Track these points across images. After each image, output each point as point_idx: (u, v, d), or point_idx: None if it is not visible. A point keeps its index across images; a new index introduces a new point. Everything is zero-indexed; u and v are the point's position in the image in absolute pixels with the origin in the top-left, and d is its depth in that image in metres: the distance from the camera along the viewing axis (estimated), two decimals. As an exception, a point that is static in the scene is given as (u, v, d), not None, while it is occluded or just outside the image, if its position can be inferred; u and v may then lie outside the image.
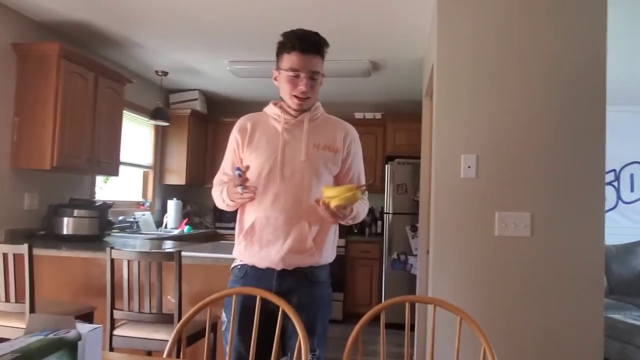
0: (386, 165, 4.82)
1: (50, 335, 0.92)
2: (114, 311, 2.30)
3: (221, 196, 1.69)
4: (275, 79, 1.67)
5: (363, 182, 1.77)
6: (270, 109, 1.71)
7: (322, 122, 1.72)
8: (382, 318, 1.54)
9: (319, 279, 1.67)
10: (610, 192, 4.91)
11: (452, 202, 2.33)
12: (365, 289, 4.86)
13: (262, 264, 1.62)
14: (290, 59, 1.58)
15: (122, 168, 3.94)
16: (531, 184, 2.27)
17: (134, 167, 4.71)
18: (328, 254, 1.71)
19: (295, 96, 1.60)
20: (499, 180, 2.29)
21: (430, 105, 2.99)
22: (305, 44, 1.57)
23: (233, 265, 1.74)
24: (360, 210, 1.70)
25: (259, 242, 1.63)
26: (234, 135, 1.71)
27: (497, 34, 2.33)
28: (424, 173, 3.42)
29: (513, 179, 2.28)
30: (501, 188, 2.29)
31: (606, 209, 2.37)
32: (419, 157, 3.70)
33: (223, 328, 1.66)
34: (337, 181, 1.72)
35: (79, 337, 0.95)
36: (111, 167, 3.72)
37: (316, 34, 1.62)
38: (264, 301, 1.50)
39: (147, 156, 4.96)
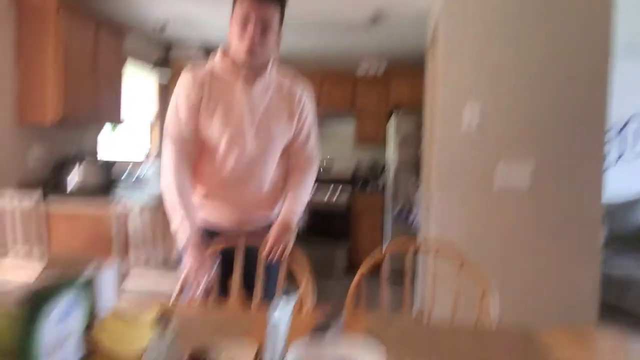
0: (389, 118, 4.80)
1: (68, 273, 0.97)
2: (123, 260, 2.37)
3: (170, 194, 1.54)
4: (230, 26, 1.54)
5: (312, 143, 1.70)
6: (222, 65, 1.57)
7: (277, 84, 1.62)
8: (385, 265, 1.59)
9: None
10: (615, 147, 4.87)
11: (455, 152, 2.34)
12: (369, 241, 4.95)
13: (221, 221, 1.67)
14: (241, 4, 1.47)
15: (125, 124, 3.94)
16: (535, 133, 2.27)
17: (137, 122, 4.71)
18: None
19: (244, 45, 1.47)
20: (502, 129, 2.29)
21: (434, 56, 2.95)
22: None
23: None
24: (305, 197, 1.68)
25: (216, 210, 1.65)
26: (191, 87, 1.55)
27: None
28: (427, 124, 3.41)
29: (516, 129, 2.28)
30: (504, 138, 2.29)
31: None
32: (422, 109, 3.68)
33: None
34: (293, 144, 1.68)
35: (95, 275, 0.99)
36: (115, 114, 3.73)
37: None
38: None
39: (150, 112, 4.95)
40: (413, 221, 4.64)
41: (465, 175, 2.33)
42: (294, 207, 1.62)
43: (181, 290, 1.44)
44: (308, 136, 1.69)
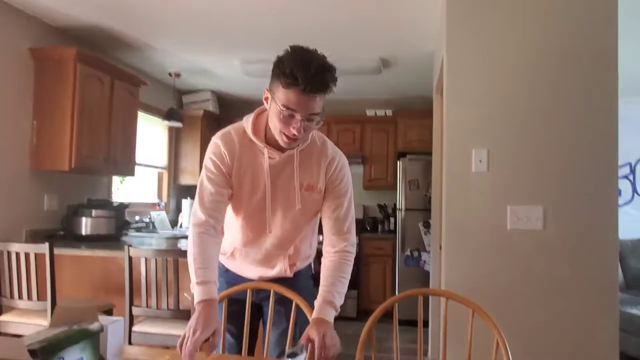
0: (398, 162, 4.83)
1: (75, 327, 0.97)
2: (133, 308, 2.35)
3: (195, 258, 1.41)
4: (265, 100, 1.39)
5: (342, 212, 1.54)
6: (252, 136, 1.47)
7: (307, 153, 1.51)
8: (395, 311, 1.56)
9: (299, 274, 1.70)
10: (626, 186, 4.84)
11: (464, 197, 2.34)
12: (379, 286, 4.87)
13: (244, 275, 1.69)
14: (286, 95, 1.29)
15: (137, 169, 4.01)
16: (543, 177, 2.27)
17: (149, 167, 4.78)
18: (305, 262, 1.73)
19: (284, 134, 1.36)
20: (510, 174, 2.29)
21: (441, 100, 3.00)
22: (308, 84, 1.26)
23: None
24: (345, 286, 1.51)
25: (240, 266, 1.67)
26: (222, 151, 1.48)
27: (507, 27, 2.33)
28: (436, 169, 3.43)
29: (525, 173, 2.28)
30: (513, 182, 2.29)
31: (622, 202, 2.37)
32: (430, 153, 3.70)
33: None
34: (322, 215, 1.58)
35: (101, 329, 0.99)
36: (127, 167, 3.79)
37: (323, 68, 1.30)
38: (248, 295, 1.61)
39: (161, 157, 5.03)
40: (424, 265, 4.58)
41: (476, 219, 2.32)
42: (328, 309, 1.41)
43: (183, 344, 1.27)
44: (337, 204, 1.53)
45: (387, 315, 1.56)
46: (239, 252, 1.64)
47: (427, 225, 4.55)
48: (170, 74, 4.59)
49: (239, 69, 4.35)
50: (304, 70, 1.25)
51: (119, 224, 3.49)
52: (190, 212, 1.56)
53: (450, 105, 2.38)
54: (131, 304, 2.36)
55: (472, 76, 2.35)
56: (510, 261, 2.28)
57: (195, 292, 1.36)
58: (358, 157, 5.19)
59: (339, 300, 1.44)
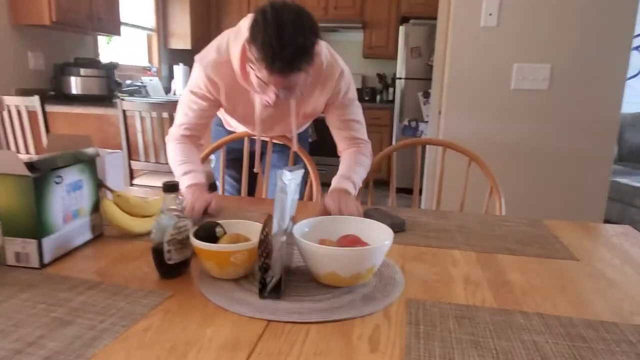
0: (400, 27, 4.58)
1: (70, 151, 0.95)
2: (132, 162, 2.37)
3: (176, 156, 1.33)
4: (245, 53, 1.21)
5: (358, 126, 1.51)
6: (244, 81, 1.28)
7: (309, 86, 1.35)
8: (392, 161, 1.57)
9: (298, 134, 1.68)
10: (635, 59, 4.68)
11: (469, 53, 2.23)
12: (375, 156, 4.94)
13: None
14: (258, 67, 1.13)
15: (124, 30, 3.78)
16: (554, 35, 2.15)
17: (136, 28, 4.52)
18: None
19: (263, 101, 1.26)
20: (521, 29, 2.16)
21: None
22: (280, 67, 1.10)
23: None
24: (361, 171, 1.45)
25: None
26: (205, 86, 1.32)
27: None
28: (441, 25, 3.24)
29: (535, 29, 2.15)
30: (522, 38, 2.17)
31: (628, 75, 2.27)
32: (435, 19, 3.48)
33: (212, 166, 1.75)
34: (331, 127, 1.49)
35: (96, 153, 0.97)
36: (112, 25, 3.57)
37: (299, 51, 1.09)
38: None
39: (149, 19, 4.73)
40: (420, 135, 4.59)
41: (479, 77, 2.24)
42: (345, 181, 1.33)
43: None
44: (344, 115, 1.46)
45: (383, 183, 1.57)
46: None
47: (426, 95, 4.47)
48: None
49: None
50: (273, 51, 1.07)
51: (110, 84, 3.38)
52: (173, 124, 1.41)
53: (463, -51, 2.16)
54: (130, 157, 2.37)
55: None
56: (512, 120, 2.26)
57: (181, 181, 1.26)
58: (357, 23, 4.91)
59: (358, 179, 1.37)
